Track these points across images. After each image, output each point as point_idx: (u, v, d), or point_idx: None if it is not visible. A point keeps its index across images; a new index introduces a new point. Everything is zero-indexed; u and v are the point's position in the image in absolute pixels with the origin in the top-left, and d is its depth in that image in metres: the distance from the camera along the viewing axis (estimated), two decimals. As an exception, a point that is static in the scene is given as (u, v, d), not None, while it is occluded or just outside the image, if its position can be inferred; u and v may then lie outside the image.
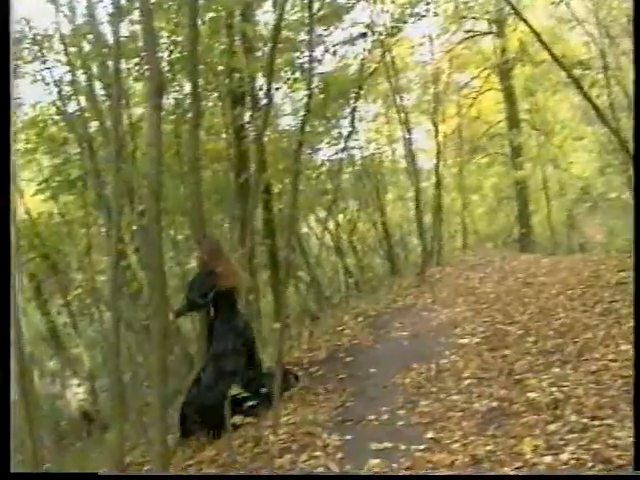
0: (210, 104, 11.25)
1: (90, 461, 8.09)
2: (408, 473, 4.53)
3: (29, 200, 11.77)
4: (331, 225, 14.91)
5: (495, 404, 5.49)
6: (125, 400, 6.65)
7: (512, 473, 4.17)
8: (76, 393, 10.53)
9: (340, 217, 16.22)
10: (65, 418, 10.59)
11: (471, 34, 21.52)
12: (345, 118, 12.98)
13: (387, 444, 5.14)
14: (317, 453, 5.32)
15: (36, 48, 10.85)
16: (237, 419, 5.58)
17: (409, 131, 15.39)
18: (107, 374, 10.03)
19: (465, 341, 7.81)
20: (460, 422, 5.24)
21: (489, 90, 23.00)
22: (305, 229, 15.37)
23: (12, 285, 4.10)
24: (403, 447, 5.01)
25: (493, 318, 8.71)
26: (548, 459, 4.17)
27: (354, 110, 12.25)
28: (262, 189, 10.48)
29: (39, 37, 10.90)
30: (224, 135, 11.51)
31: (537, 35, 9.48)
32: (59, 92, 10.85)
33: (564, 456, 4.15)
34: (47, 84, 10.92)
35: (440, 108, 17.91)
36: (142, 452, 7.00)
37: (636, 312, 4.73)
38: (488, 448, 4.55)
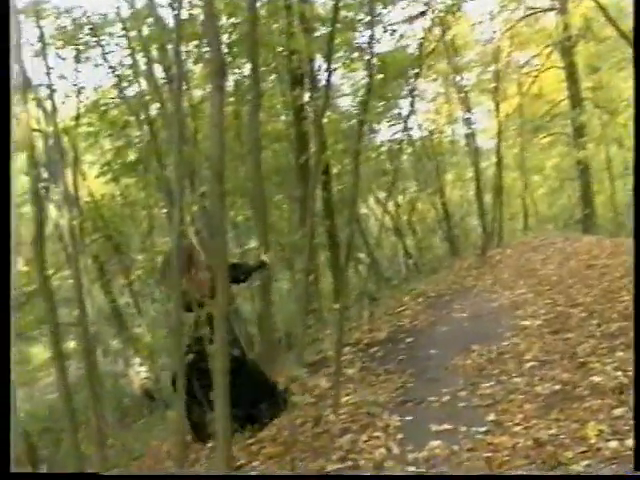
0: (269, 85, 11.26)
1: (152, 438, 8.21)
2: (468, 455, 4.49)
3: (92, 183, 11.97)
4: (390, 206, 14.83)
5: (558, 387, 5.40)
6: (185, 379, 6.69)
7: (512, 473, 4.10)
8: (138, 372, 10.71)
9: (399, 198, 16.12)
10: (127, 396, 10.80)
11: (532, 11, 21.07)
12: (404, 98, 12.88)
13: (448, 426, 5.11)
14: (377, 434, 5.32)
15: (97, 33, 11.00)
16: (298, 399, 5.59)
17: (469, 111, 15.21)
18: (168, 353, 10.16)
19: (527, 323, 7.70)
20: (522, 405, 5.17)
21: (551, 68, 22.51)
22: (364, 210, 15.32)
23: (11, 284, 4.09)
24: (464, 429, 4.97)
25: (555, 300, 8.56)
26: (613, 444, 4.08)
27: (413, 90, 12.13)
28: (321, 170, 10.47)
29: (99, 22, 11.05)
30: (283, 116, 11.51)
31: (603, 10, 9.25)
32: (119, 76, 11.00)
33: (629, 442, 4.06)
34: (109, 68, 11.08)
35: (501, 87, 17.61)
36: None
37: (636, 312, 4.66)
38: (551, 432, 4.47)
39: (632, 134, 6.24)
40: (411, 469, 4.56)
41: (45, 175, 9.82)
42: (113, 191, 11.79)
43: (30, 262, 17.09)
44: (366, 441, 5.23)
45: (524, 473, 4.08)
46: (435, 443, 4.81)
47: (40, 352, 14.97)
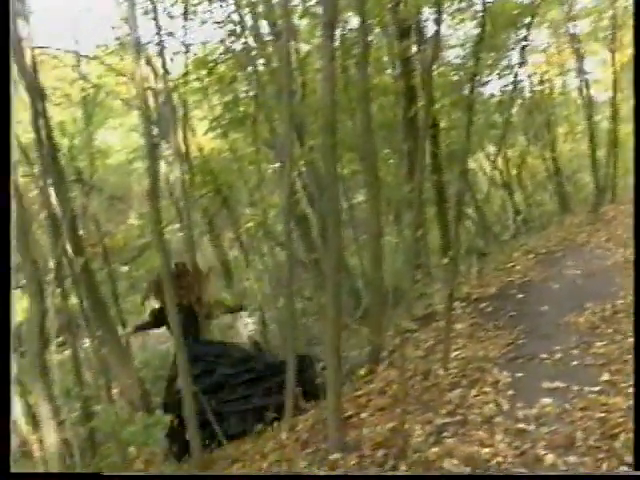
0: (376, 38, 11.11)
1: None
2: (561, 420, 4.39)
3: (201, 138, 12.15)
4: (499, 161, 14.51)
5: (675, 348, 5.20)
6: (294, 332, 6.81)
7: (512, 473, 4.01)
8: (246, 324, 10.90)
9: (509, 152, 15.74)
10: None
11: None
12: (514, 49, 12.48)
13: (559, 384, 5.02)
14: (487, 389, 5.28)
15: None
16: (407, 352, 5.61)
17: (582, 61, 14.61)
18: (275, 306, 10.32)
19: (643, 281, 7.42)
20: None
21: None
22: (473, 165, 15.04)
23: (11, 283, 4.12)
24: (576, 388, 4.88)
25: (673, 258, 8.21)
26: None
27: (524, 40, 11.72)
28: (429, 124, 10.30)
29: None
30: (390, 70, 11.35)
31: None
32: (227, 32, 11.03)
33: None
34: (215, 23, 11.12)
35: (617, 35, 16.81)
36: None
37: (636, 311, 4.59)
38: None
39: (632, 134, 5.97)
40: (520, 426, 4.51)
41: (156, 132, 10.02)
42: (222, 146, 11.94)
43: (142, 216, 17.62)
44: (475, 396, 5.20)
45: (524, 473, 4.00)
46: (546, 401, 4.75)
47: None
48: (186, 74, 11.43)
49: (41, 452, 7.12)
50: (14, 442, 7.97)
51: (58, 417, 6.66)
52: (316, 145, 9.76)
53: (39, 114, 8.00)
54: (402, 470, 4.34)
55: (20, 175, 7.74)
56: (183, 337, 5.77)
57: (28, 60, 7.31)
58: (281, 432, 5.83)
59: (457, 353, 6.09)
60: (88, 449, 5.86)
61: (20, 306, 13.57)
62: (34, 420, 7.35)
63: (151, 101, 10.12)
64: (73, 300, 6.71)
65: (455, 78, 11.77)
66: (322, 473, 4.71)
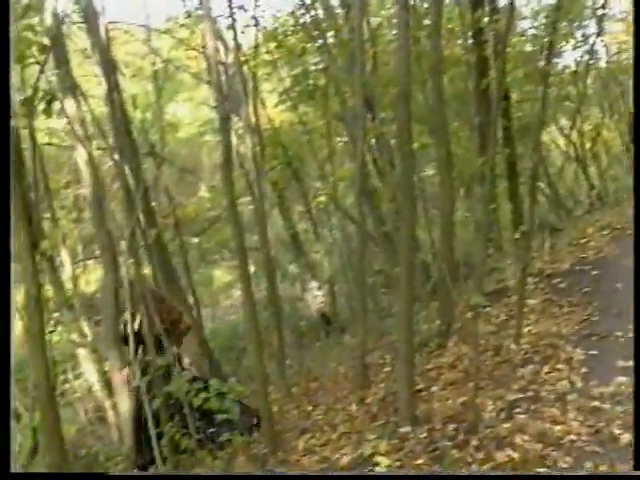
0: (448, 8, 10.92)
1: (329, 360, 8.43)
2: None
3: (271, 111, 12.18)
4: (573, 134, 14.17)
5: None
6: (365, 304, 6.82)
7: (512, 473, 3.93)
8: (315, 296, 10.97)
9: (583, 125, 15.35)
10: (304, 319, 11.11)
11: None
12: (590, 18, 12.15)
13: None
14: (560, 366, 5.20)
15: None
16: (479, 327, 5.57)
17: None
18: (345, 279, 10.34)
19: None
20: None
21: None
22: (545, 138, 14.74)
23: (11, 281, 4.10)
24: (652, 367, 4.75)
25: None
26: None
27: (602, 8, 11.40)
28: (502, 96, 10.11)
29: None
30: (462, 41, 11.17)
31: None
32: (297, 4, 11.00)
33: None
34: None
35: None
36: (381, 354, 7.21)
37: (636, 312, 4.49)
38: None
39: (632, 133, 5.75)
40: (595, 404, 4.43)
41: (226, 105, 10.07)
42: (292, 119, 11.96)
43: (212, 189, 17.83)
44: (548, 373, 5.13)
45: (524, 473, 3.92)
46: (622, 379, 4.64)
47: (221, 275, 15.69)
48: (256, 47, 11.44)
49: (115, 418, 7.33)
50: (90, 407, 8.22)
51: (132, 384, 6.81)
52: (386, 117, 9.70)
53: (112, 88, 8.13)
54: (473, 445, 4.32)
55: (94, 148, 7.90)
56: None
57: (101, 35, 7.41)
58: (351, 404, 5.87)
59: (529, 329, 6.00)
60: (163, 415, 5.96)
61: (94, 276, 13.93)
62: (109, 387, 7.55)
63: (221, 74, 10.17)
64: (146, 270, 6.83)
65: (528, 49, 11.53)
66: (322, 473, 4.73)
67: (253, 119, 10.04)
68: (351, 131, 9.65)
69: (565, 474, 3.82)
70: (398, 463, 4.40)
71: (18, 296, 7.32)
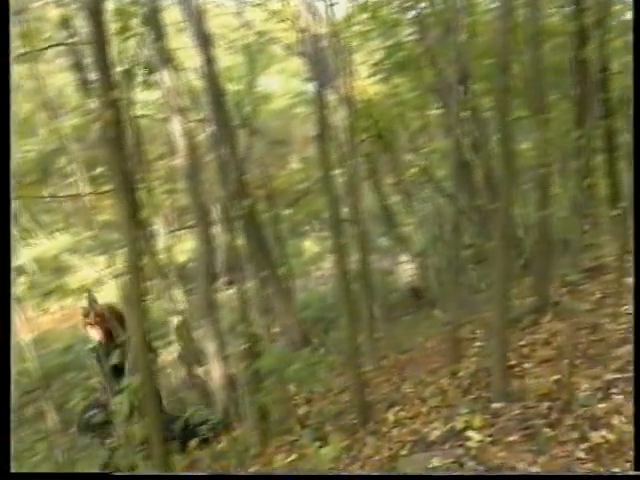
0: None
1: (419, 334, 8.40)
2: None
3: (363, 83, 12.09)
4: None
5: None
6: (458, 279, 6.76)
7: (512, 473, 3.86)
8: (405, 269, 10.93)
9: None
10: (394, 292, 11.09)
11: None
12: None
13: None
14: (661, 347, 5.04)
15: None
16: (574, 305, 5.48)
17: None
18: (435, 253, 10.26)
19: None
20: None
21: None
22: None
23: (11, 279, 4.09)
24: None
25: None
26: None
27: None
28: (600, 68, 9.78)
29: None
30: (560, 9, 10.83)
31: None
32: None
33: None
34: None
35: None
36: (471, 329, 7.14)
37: (636, 312, 4.28)
38: None
39: (632, 133, 5.42)
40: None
41: (318, 77, 10.07)
42: (384, 91, 11.86)
43: (303, 161, 17.91)
44: (647, 354, 4.97)
45: (524, 473, 3.85)
46: None
47: (311, 247, 15.77)
48: (348, 18, 11.38)
49: (207, 384, 7.50)
50: (181, 374, 8.43)
51: (223, 352, 6.96)
52: (481, 89, 9.52)
53: (207, 60, 8.24)
54: (567, 424, 4.25)
55: (190, 120, 8.03)
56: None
57: (196, 8, 7.51)
58: (441, 378, 5.85)
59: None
60: (252, 384, 6.08)
61: (185, 246, 14.21)
62: (200, 354, 7.73)
63: (313, 46, 10.15)
64: (239, 241, 6.92)
65: (629, 17, 11.08)
66: (322, 473, 4.72)
67: (345, 91, 10.00)
68: (444, 103, 9.51)
69: (565, 474, 3.80)
70: (490, 439, 4.37)
71: (118, 264, 7.55)
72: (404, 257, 11.04)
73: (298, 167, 17.67)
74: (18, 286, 8.25)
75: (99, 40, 4.35)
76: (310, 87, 7.59)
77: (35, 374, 7.85)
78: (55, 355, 11.09)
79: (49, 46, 10.30)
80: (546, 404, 4.56)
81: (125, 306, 7.82)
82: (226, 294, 6.36)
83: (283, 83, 19.88)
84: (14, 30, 10.03)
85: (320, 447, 5.26)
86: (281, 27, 13.24)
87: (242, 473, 5.14)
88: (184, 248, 13.65)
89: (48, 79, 13.74)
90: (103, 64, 4.41)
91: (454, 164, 6.87)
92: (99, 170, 16.08)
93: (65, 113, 13.85)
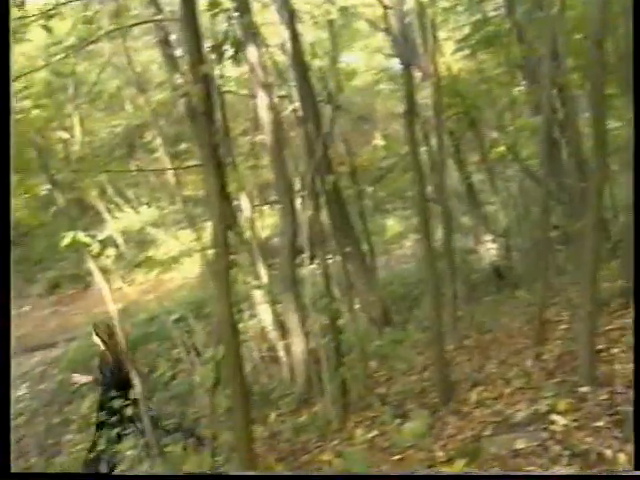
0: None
1: (501, 315, 8.28)
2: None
3: (449, 59, 11.92)
4: None
5: None
6: (544, 260, 6.62)
7: (512, 473, 3.77)
8: (488, 249, 10.77)
9: None
10: (476, 272, 10.94)
11: None
12: None
13: None
14: None
15: None
16: None
17: None
18: (519, 233, 10.09)
19: None
20: None
21: None
22: None
23: (11, 279, 4.07)
24: None
25: None
26: None
27: None
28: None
29: None
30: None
31: None
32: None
33: None
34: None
35: None
36: (557, 311, 7.00)
37: (636, 309, 4.23)
38: None
39: (632, 132, 5.07)
40: None
41: (402, 53, 9.98)
42: (470, 67, 11.66)
43: (387, 137, 17.81)
44: None
45: (524, 473, 3.76)
46: None
47: (393, 225, 15.72)
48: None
49: (288, 358, 7.58)
50: (263, 346, 8.54)
51: (305, 326, 7.00)
52: (571, 65, 9.25)
53: (292, 36, 8.24)
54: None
55: (276, 96, 8.06)
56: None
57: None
58: (525, 359, 5.77)
59: None
60: (333, 359, 6.11)
61: (268, 222, 14.33)
62: (282, 328, 7.80)
63: (398, 22, 10.06)
64: (322, 217, 6.95)
65: None
66: (322, 473, 4.66)
67: (430, 67, 9.87)
68: (532, 80, 9.30)
69: (565, 474, 3.74)
70: (575, 423, 4.29)
71: (204, 237, 7.68)
72: (487, 236, 10.87)
73: (381, 144, 17.56)
74: (105, 258, 8.46)
75: (188, 16, 4.39)
76: (394, 63, 7.51)
77: (121, 343, 8.10)
78: (140, 325, 11.38)
79: (137, 23, 10.50)
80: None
81: (211, 278, 7.99)
82: (308, 269, 6.38)
83: (367, 59, 19.76)
84: (105, 7, 10.28)
85: (401, 424, 5.26)
86: (365, 2, 13.14)
87: (242, 473, 5.18)
88: (266, 223, 13.77)
89: (136, 56, 14.00)
90: (192, 39, 4.46)
91: (542, 142, 6.70)
92: (184, 146, 16.35)
93: (152, 89, 14.11)
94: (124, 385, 7.29)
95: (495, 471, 4.05)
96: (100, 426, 7.19)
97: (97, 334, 7.68)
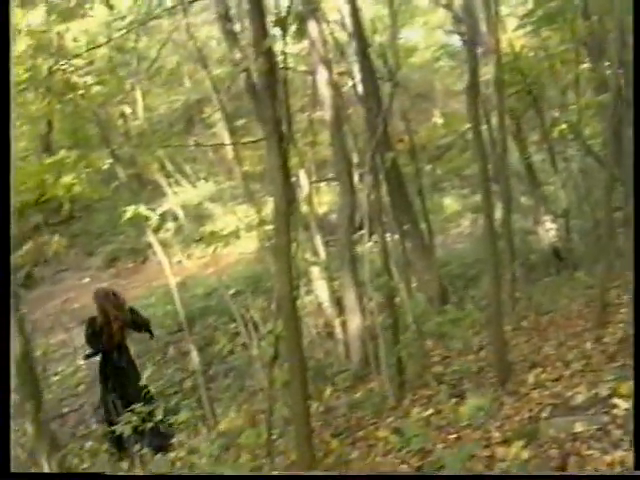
0: None
1: (560, 295, 8.18)
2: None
3: (511, 35, 11.71)
4: None
5: None
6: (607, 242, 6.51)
7: (512, 473, 3.76)
8: (548, 230, 10.61)
9: None
10: (534, 253, 10.81)
11: None
12: None
13: None
14: None
15: None
16: None
17: None
18: (580, 214, 9.91)
19: None
20: None
21: None
22: None
23: (10, 278, 4.04)
24: None
25: None
26: None
27: None
28: None
29: None
30: None
31: None
32: None
33: None
34: None
35: None
36: (617, 294, 6.89)
37: (636, 313, 4.19)
38: None
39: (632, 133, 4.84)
40: None
41: (464, 29, 9.86)
42: (532, 44, 11.44)
43: (446, 115, 17.62)
44: None
45: (524, 473, 3.73)
46: None
47: (451, 204, 15.57)
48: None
49: (344, 335, 7.60)
50: (319, 322, 8.58)
51: (362, 304, 7.01)
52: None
53: (351, 12, 8.19)
54: None
55: (336, 72, 8.03)
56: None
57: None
58: (585, 342, 5.70)
59: None
60: (389, 337, 6.11)
61: (325, 199, 14.34)
62: (338, 304, 7.82)
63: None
64: (381, 194, 6.91)
65: None
66: (322, 473, 4.61)
67: (492, 44, 9.72)
68: (597, 57, 9.10)
69: (565, 474, 3.71)
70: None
71: (262, 213, 7.73)
72: (546, 217, 10.71)
73: (440, 122, 17.39)
74: (165, 232, 8.59)
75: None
76: (455, 40, 7.40)
77: (179, 316, 8.23)
78: (198, 299, 11.52)
79: (196, -1, 10.55)
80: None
81: (268, 254, 8.04)
82: (366, 246, 6.37)
83: (427, 35, 19.57)
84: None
85: (457, 404, 5.25)
86: (426, -23, 13.00)
87: (242, 473, 5.19)
88: (323, 200, 13.79)
89: (195, 32, 14.06)
90: (256, 13, 4.45)
91: (607, 121, 6.56)
92: (241, 121, 16.39)
93: (211, 65, 14.17)
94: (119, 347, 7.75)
95: (495, 471, 4.03)
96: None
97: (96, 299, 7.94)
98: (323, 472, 4.73)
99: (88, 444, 7.46)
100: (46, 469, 6.20)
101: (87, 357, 8.16)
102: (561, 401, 4.74)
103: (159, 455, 6.43)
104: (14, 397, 5.90)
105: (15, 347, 6.32)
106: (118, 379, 7.74)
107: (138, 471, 6.14)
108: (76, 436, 7.86)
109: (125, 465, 6.67)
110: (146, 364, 9.48)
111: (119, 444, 7.11)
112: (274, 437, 5.23)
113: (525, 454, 4.10)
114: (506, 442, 4.37)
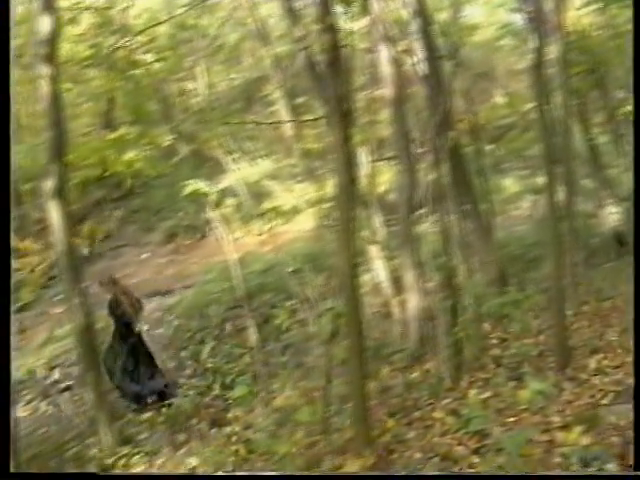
0: None
1: (622, 281, 8.01)
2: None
3: (576, 13, 11.45)
4: None
5: None
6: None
7: (512, 473, 3.72)
8: (610, 213, 10.40)
9: None
10: (596, 237, 10.59)
11: None
12: None
13: None
14: None
15: None
16: None
17: None
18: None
19: None
20: None
21: None
22: None
23: (11, 278, 4.01)
24: None
25: None
26: None
27: None
28: None
29: None
30: None
31: None
32: None
33: None
34: None
35: None
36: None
37: (636, 313, 4.31)
38: None
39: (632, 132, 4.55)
40: None
41: (528, 7, 9.65)
42: (599, 22, 11.17)
43: (508, 95, 17.36)
44: None
45: (524, 473, 3.68)
46: None
47: (511, 185, 15.31)
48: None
49: (401, 314, 7.58)
50: (377, 301, 8.57)
51: (420, 283, 6.97)
52: None
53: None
54: None
55: (397, 50, 7.94)
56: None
57: None
58: None
59: None
60: (448, 318, 6.07)
61: (383, 178, 14.26)
62: (397, 284, 7.80)
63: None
64: (441, 173, 6.84)
65: None
66: (322, 473, 4.60)
67: (556, 22, 9.51)
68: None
69: (565, 474, 3.69)
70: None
71: (321, 190, 7.74)
72: (609, 200, 10.48)
73: (501, 102, 17.15)
74: (224, 208, 8.63)
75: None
76: (517, 18, 7.25)
77: (237, 292, 8.30)
78: (256, 276, 11.57)
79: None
80: None
81: (327, 232, 8.04)
82: (425, 226, 6.33)
83: (489, 14, 19.20)
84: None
85: (516, 387, 5.20)
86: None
87: (242, 473, 5.17)
88: (382, 180, 13.70)
89: (255, 9, 14.08)
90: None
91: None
92: (300, 99, 16.38)
93: (271, 42, 14.17)
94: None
95: (495, 471, 3.98)
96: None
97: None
98: (323, 472, 4.75)
99: (146, 415, 7.57)
100: (107, 438, 6.35)
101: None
102: (623, 388, 4.67)
103: (214, 429, 6.51)
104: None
105: (78, 319, 6.47)
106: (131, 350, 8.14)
107: (194, 444, 6.22)
108: (131, 408, 8.01)
109: (182, 437, 6.75)
110: (205, 339, 9.60)
111: (137, 400, 7.93)
112: (330, 415, 5.25)
113: (585, 440, 4.05)
114: (566, 427, 4.33)
